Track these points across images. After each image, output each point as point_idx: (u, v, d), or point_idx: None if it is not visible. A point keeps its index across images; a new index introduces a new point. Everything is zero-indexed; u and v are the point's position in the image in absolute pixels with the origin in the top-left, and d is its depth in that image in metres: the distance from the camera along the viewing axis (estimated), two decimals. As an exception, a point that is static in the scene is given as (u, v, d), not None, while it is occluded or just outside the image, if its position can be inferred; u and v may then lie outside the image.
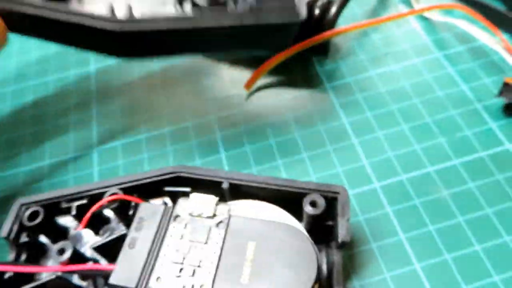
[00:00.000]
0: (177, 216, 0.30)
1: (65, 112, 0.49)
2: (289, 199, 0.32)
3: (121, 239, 0.32)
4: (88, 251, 0.34)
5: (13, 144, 0.47)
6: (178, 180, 0.34)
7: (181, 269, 0.27)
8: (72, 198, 0.34)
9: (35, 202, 0.34)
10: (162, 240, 0.29)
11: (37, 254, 0.34)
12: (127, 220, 0.33)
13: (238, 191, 0.33)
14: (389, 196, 0.38)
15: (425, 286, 0.32)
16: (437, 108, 0.43)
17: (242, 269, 0.27)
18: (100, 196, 0.33)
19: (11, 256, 0.33)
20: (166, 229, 0.29)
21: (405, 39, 0.49)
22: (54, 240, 0.35)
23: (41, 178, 0.44)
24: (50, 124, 0.49)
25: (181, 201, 0.31)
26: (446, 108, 0.43)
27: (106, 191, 0.33)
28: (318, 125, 0.43)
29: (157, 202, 0.33)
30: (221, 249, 0.28)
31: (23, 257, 0.33)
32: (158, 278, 0.27)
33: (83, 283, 0.33)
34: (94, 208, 0.31)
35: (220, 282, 0.26)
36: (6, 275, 0.32)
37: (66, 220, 0.36)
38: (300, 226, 0.30)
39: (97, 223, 0.35)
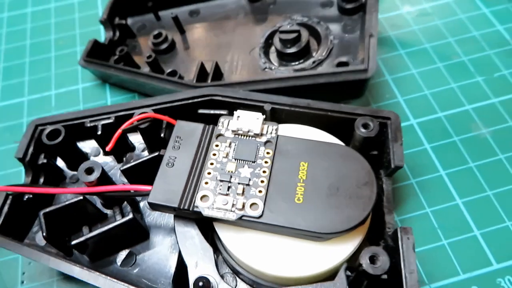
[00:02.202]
0: (219, 135, 0.27)
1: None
2: (334, 124, 0.30)
3: (152, 162, 0.29)
4: (114, 175, 0.32)
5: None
6: (213, 103, 0.31)
7: (229, 187, 0.25)
8: (97, 118, 0.31)
9: (53, 123, 0.31)
10: (205, 159, 0.26)
11: (54, 178, 0.31)
12: (155, 145, 0.31)
13: (279, 116, 0.30)
14: (426, 133, 0.36)
15: (468, 221, 0.31)
16: (472, 47, 0.41)
17: (295, 189, 0.25)
18: (128, 117, 0.30)
19: (27, 179, 0.30)
20: (208, 148, 0.27)
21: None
22: (72, 168, 0.33)
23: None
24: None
25: (223, 119, 0.28)
26: (482, 48, 0.41)
27: (135, 112, 0.30)
28: (350, 61, 0.41)
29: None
30: (271, 168, 0.26)
31: (41, 180, 0.30)
32: (203, 196, 0.25)
33: (107, 211, 0.30)
34: (124, 125, 0.28)
35: (272, 201, 0.24)
36: (25, 197, 0.29)
37: (87, 145, 0.33)
38: (350, 151, 0.28)
39: (120, 151, 0.33)
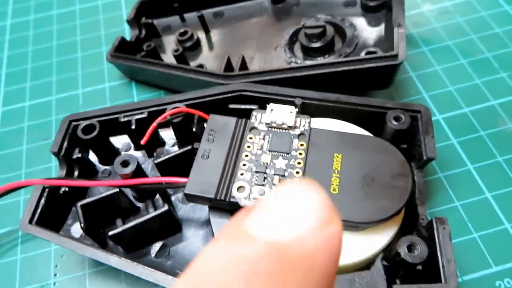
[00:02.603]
0: (253, 128, 0.28)
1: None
2: (363, 118, 0.30)
3: (185, 155, 0.30)
4: (145, 170, 0.32)
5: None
6: (243, 98, 0.32)
7: (264, 178, 0.25)
8: (131, 114, 0.31)
9: (86, 118, 0.32)
10: (239, 151, 0.27)
11: (87, 172, 0.32)
12: (186, 140, 0.31)
13: (307, 110, 0.31)
14: (453, 128, 0.36)
15: (498, 214, 0.31)
16: (495, 44, 0.41)
17: (330, 180, 0.25)
18: (160, 112, 0.30)
19: (61, 173, 0.31)
20: (242, 140, 0.27)
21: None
22: (103, 162, 0.33)
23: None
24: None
25: (256, 112, 0.28)
26: (505, 44, 0.41)
27: (167, 107, 0.31)
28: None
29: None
30: (305, 160, 0.26)
31: (75, 174, 0.31)
32: (240, 187, 0.25)
33: (139, 204, 0.31)
34: (158, 119, 0.29)
35: (308, 191, 0.25)
36: (61, 190, 0.29)
37: (118, 140, 0.34)
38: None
39: (151, 146, 0.33)
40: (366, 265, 0.25)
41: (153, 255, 0.29)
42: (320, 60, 0.38)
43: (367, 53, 0.36)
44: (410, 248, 0.23)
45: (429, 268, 0.24)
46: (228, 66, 0.37)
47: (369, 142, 0.27)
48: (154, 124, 0.29)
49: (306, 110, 0.31)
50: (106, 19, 0.49)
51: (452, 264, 0.23)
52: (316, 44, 0.37)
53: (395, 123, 0.28)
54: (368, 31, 0.38)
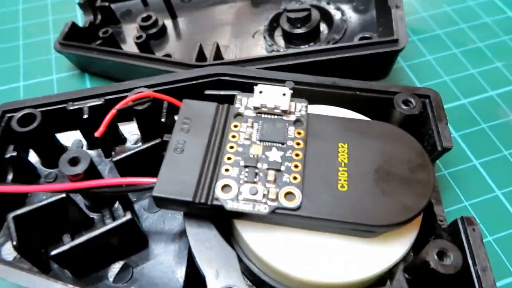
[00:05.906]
0: (238, 114, 0.22)
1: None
2: (363, 105, 0.26)
3: (152, 151, 0.24)
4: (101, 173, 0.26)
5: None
6: (221, 84, 0.26)
7: (256, 174, 0.20)
8: (83, 103, 0.25)
9: (26, 108, 0.25)
10: (222, 142, 0.21)
11: (25, 176, 0.25)
12: (152, 134, 0.25)
13: (299, 97, 0.26)
14: (453, 121, 0.33)
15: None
16: (486, 33, 0.39)
17: (337, 174, 0.20)
18: (120, 100, 0.24)
19: (-10, 176, 0.24)
20: (225, 129, 0.22)
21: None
22: (47, 164, 0.27)
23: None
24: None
25: (241, 96, 0.23)
26: (497, 34, 0.39)
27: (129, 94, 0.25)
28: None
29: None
30: (305, 151, 0.21)
31: (9, 178, 0.24)
32: (225, 186, 0.20)
33: (94, 215, 0.25)
34: (119, 104, 0.23)
35: (311, 189, 0.20)
36: (-11, 198, 0.23)
37: (66, 138, 0.28)
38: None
39: (109, 143, 0.27)
40: (381, 279, 0.20)
41: (111, 279, 0.23)
42: (304, 48, 0.33)
43: (361, 39, 0.32)
44: (441, 255, 0.19)
45: (458, 280, 0.20)
46: (200, 55, 0.32)
47: (378, 129, 0.22)
48: (114, 111, 0.23)
49: (298, 97, 0.26)
50: (54, 3, 0.43)
51: (489, 273, 0.19)
52: (300, 30, 0.33)
53: (404, 107, 0.24)
54: (357, 16, 0.35)
